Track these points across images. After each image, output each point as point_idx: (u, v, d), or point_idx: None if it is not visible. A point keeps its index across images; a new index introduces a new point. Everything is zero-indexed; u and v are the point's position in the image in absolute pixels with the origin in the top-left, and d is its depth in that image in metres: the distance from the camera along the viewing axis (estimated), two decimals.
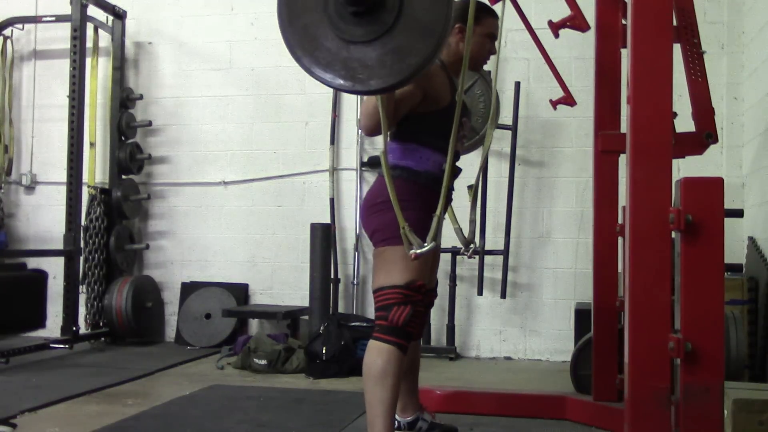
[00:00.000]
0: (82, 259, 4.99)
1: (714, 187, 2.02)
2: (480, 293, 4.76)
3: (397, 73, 1.93)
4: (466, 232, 2.82)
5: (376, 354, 2.30)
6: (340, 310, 4.89)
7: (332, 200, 5.05)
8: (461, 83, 2.29)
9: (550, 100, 3.67)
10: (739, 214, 3.68)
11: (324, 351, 4.10)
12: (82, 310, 4.95)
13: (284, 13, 2.02)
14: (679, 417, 2.01)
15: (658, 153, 2.10)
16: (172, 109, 5.43)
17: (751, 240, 4.14)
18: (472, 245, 2.81)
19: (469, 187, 2.85)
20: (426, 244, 2.22)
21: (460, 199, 2.82)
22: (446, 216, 2.42)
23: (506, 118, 4.77)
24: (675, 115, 2.35)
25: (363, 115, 2.35)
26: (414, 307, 2.31)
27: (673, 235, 2.08)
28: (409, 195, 2.37)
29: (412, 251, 2.21)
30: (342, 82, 1.98)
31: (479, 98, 3.05)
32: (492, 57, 2.70)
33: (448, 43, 2.50)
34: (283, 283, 5.18)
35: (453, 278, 4.71)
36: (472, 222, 2.87)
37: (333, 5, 1.96)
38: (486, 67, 4.80)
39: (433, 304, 2.82)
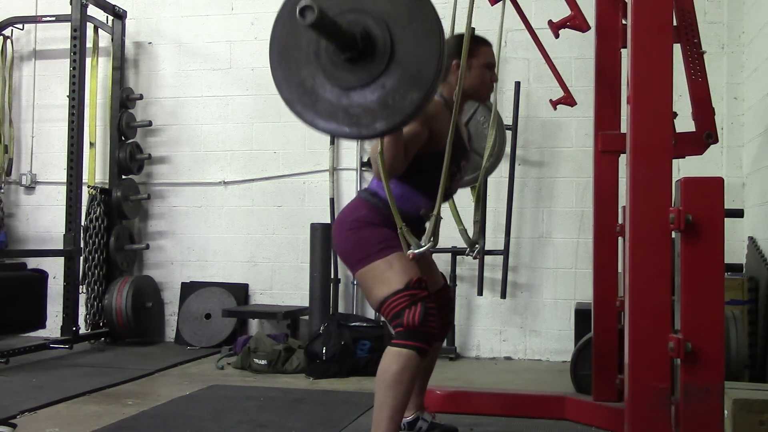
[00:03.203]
0: (82, 259, 4.99)
1: (714, 187, 2.01)
2: (480, 293, 4.76)
3: (400, 112, 1.91)
4: (470, 233, 2.83)
5: (393, 359, 2.25)
6: (340, 310, 4.89)
7: (332, 200, 5.05)
8: (452, 126, 2.25)
9: (550, 100, 3.67)
10: (739, 214, 3.67)
11: (324, 351, 4.10)
12: (82, 310, 4.96)
13: (279, 71, 2.00)
14: (679, 417, 2.01)
15: (658, 153, 2.10)
16: (172, 109, 5.43)
17: (751, 240, 4.14)
18: (477, 246, 2.82)
19: (472, 188, 2.86)
20: (423, 244, 2.22)
21: (463, 200, 2.83)
22: (444, 217, 2.41)
23: (506, 118, 4.76)
24: (675, 115, 2.35)
25: (372, 161, 2.35)
26: (425, 304, 2.27)
27: (673, 235, 2.08)
28: (381, 220, 2.39)
29: (410, 251, 2.21)
30: (348, 130, 1.98)
31: (483, 124, 3.05)
32: None
33: (448, 81, 2.50)
34: (283, 283, 5.18)
35: (453, 278, 4.71)
36: (477, 223, 2.87)
37: (325, 55, 1.94)
38: None
39: (451, 306, 2.77)
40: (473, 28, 2.43)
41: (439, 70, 1.90)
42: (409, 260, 2.34)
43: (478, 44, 2.58)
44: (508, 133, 4.69)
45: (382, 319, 2.45)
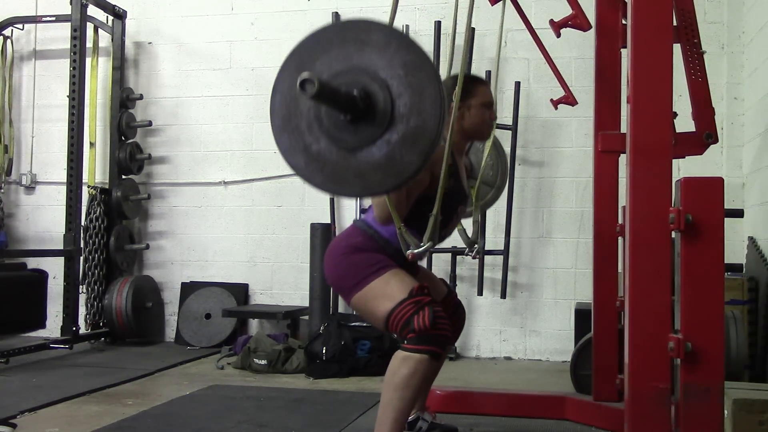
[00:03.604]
0: (82, 259, 4.99)
1: (714, 187, 2.01)
2: (480, 293, 4.76)
3: (408, 165, 1.90)
4: (469, 232, 2.83)
5: (402, 362, 2.23)
6: (340, 310, 4.89)
7: (332, 200, 5.05)
8: (442, 180, 2.25)
9: (551, 100, 3.67)
10: (739, 214, 3.67)
11: (324, 351, 4.10)
12: (82, 310, 4.96)
13: (282, 140, 1.99)
14: (679, 417, 2.01)
15: (658, 153, 2.09)
16: (172, 109, 5.43)
17: (751, 240, 4.14)
18: (476, 245, 2.82)
19: (471, 188, 2.86)
20: (423, 243, 2.21)
21: None
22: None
23: (506, 118, 4.77)
24: (675, 115, 2.35)
25: (375, 205, 2.35)
26: (432, 308, 2.26)
27: (673, 235, 2.08)
28: (375, 247, 2.39)
29: (409, 251, 2.21)
30: (359, 190, 1.99)
31: (483, 151, 3.06)
32: (492, 57, 2.71)
33: (449, 122, 2.50)
34: (283, 283, 5.18)
35: (453, 278, 4.70)
36: (476, 222, 2.87)
37: (327, 119, 1.94)
38: (486, 68, 4.83)
39: (459, 311, 2.74)
40: (467, 74, 2.42)
41: (442, 118, 1.89)
42: (407, 275, 2.35)
43: (475, 84, 2.59)
44: (509, 133, 4.70)
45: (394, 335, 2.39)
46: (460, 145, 2.61)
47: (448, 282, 4.67)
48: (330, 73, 1.92)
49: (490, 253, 4.70)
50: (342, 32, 1.97)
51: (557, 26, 2.96)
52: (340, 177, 1.95)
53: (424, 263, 4.77)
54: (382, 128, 1.90)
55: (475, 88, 2.57)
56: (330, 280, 2.49)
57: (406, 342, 2.25)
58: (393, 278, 2.33)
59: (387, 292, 2.31)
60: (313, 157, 1.96)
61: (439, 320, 2.25)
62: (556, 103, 3.61)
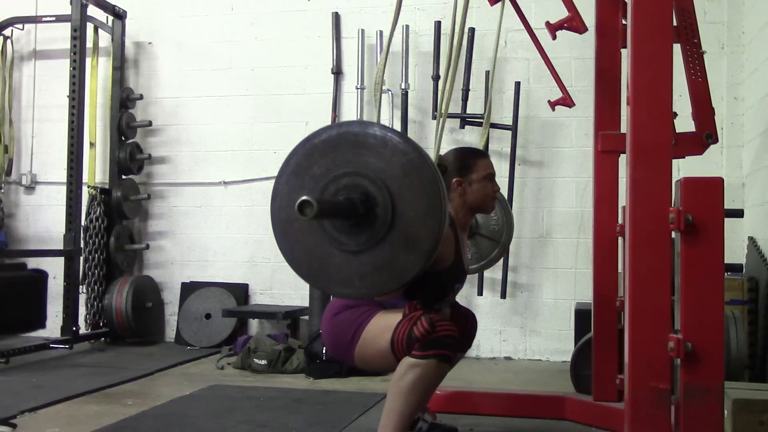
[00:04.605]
0: (82, 259, 4.99)
1: (714, 187, 2.01)
2: (480, 293, 4.76)
3: (413, 265, 1.92)
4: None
5: (409, 368, 2.21)
6: None
7: None
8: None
9: (549, 101, 3.67)
10: (739, 214, 3.67)
11: (324, 351, 4.10)
12: (82, 310, 4.96)
13: (285, 245, 2.04)
14: (679, 417, 2.01)
15: (658, 153, 2.09)
16: (172, 109, 5.43)
17: (751, 240, 4.14)
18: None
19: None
20: None
21: None
22: None
23: (506, 118, 4.77)
24: (675, 115, 2.35)
25: None
26: (427, 315, 2.24)
27: (673, 235, 2.08)
28: (363, 303, 2.39)
29: None
30: (365, 292, 2.02)
31: (494, 221, 3.09)
32: (491, 57, 2.71)
33: (451, 198, 2.51)
34: (283, 283, 5.17)
35: None
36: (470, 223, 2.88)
37: (328, 223, 1.96)
38: (486, 68, 4.82)
39: (468, 318, 2.74)
40: (467, 149, 2.46)
41: (443, 218, 1.91)
42: (396, 309, 2.34)
43: (476, 158, 2.61)
44: (509, 133, 4.70)
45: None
46: (464, 221, 2.62)
47: None
48: (328, 178, 1.94)
49: None
50: (339, 134, 1.98)
51: (553, 29, 2.96)
52: (345, 280, 1.98)
53: None
54: (384, 230, 1.92)
55: (476, 163, 2.58)
56: (328, 347, 2.48)
57: (414, 351, 2.22)
58: (383, 315, 2.34)
59: (382, 326, 2.30)
60: (316, 260, 1.99)
61: (438, 322, 2.24)
62: (553, 105, 3.61)
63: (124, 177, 5.31)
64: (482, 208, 2.63)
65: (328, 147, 1.96)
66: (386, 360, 2.31)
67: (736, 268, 4.03)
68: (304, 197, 1.72)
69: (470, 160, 2.57)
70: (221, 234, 5.31)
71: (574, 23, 2.96)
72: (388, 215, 1.92)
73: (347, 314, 2.39)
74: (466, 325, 2.70)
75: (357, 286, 1.97)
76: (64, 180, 4.88)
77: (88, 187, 5.15)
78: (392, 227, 1.92)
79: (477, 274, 4.73)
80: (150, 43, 5.51)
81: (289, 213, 1.98)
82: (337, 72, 5.09)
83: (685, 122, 2.95)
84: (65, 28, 5.05)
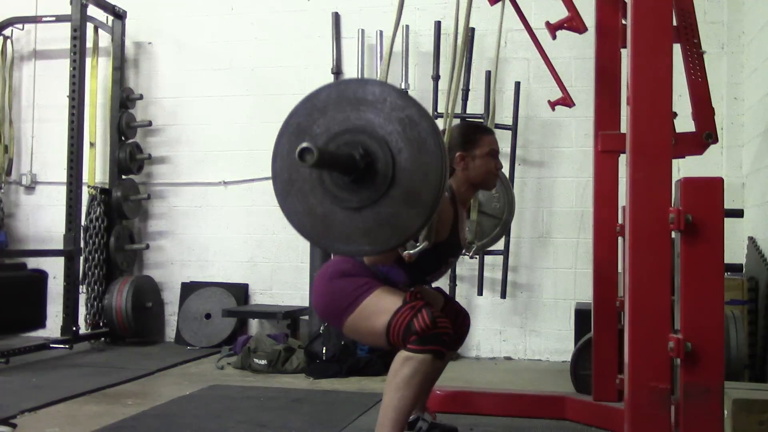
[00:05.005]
0: (82, 259, 4.99)
1: (714, 187, 2.01)
2: (480, 293, 4.76)
3: (415, 218, 1.91)
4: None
5: (404, 362, 2.22)
6: None
7: None
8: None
9: (549, 101, 3.67)
10: (739, 214, 3.67)
11: (324, 351, 4.11)
12: (82, 310, 4.96)
13: (287, 205, 2.01)
14: (679, 417, 2.01)
15: (658, 153, 2.09)
16: (172, 109, 5.43)
17: (751, 240, 4.14)
18: (474, 245, 2.82)
19: (472, 211, 2.87)
20: (419, 244, 2.22)
21: None
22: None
23: (506, 118, 4.77)
24: (675, 115, 2.35)
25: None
26: (429, 308, 2.26)
27: (673, 235, 2.08)
28: (362, 273, 2.39)
29: (406, 252, 2.21)
30: (368, 248, 1.99)
31: (495, 198, 3.08)
32: (491, 57, 2.71)
33: (454, 173, 2.51)
34: (283, 283, 5.17)
35: (453, 278, 4.70)
36: (473, 222, 2.88)
37: (330, 180, 1.95)
38: (486, 68, 4.83)
39: (461, 315, 2.72)
40: (472, 123, 2.41)
41: (444, 171, 1.91)
42: (396, 289, 2.35)
43: (480, 133, 2.59)
44: (509, 133, 4.70)
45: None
46: (465, 195, 2.60)
47: (449, 282, 4.68)
48: (329, 135, 1.94)
49: (490, 253, 4.70)
50: (338, 93, 1.98)
51: (553, 29, 2.96)
52: (348, 237, 1.96)
53: None
54: (385, 185, 1.91)
55: (480, 138, 2.56)
56: (320, 308, 2.47)
57: (409, 345, 2.24)
58: (383, 293, 2.33)
59: (381, 307, 2.30)
60: (319, 219, 1.97)
61: (439, 319, 2.25)
62: (553, 105, 3.61)
63: (124, 177, 5.31)
64: (484, 183, 2.60)
65: (327, 106, 1.96)
66: (376, 338, 2.34)
67: (736, 268, 4.03)
68: (304, 144, 1.71)
69: (475, 135, 2.55)
70: (221, 234, 5.31)
71: (574, 23, 2.96)
72: (389, 170, 1.91)
73: (345, 282, 2.37)
74: (457, 319, 2.70)
75: (359, 242, 1.95)
76: (64, 180, 4.88)
77: (88, 187, 5.15)
78: (393, 182, 1.91)
79: (477, 274, 4.73)
80: (150, 43, 5.51)
81: (290, 173, 1.98)
82: (337, 72, 5.08)
83: (685, 122, 2.95)
84: (65, 28, 5.05)
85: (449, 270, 2.68)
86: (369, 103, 1.93)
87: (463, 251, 2.82)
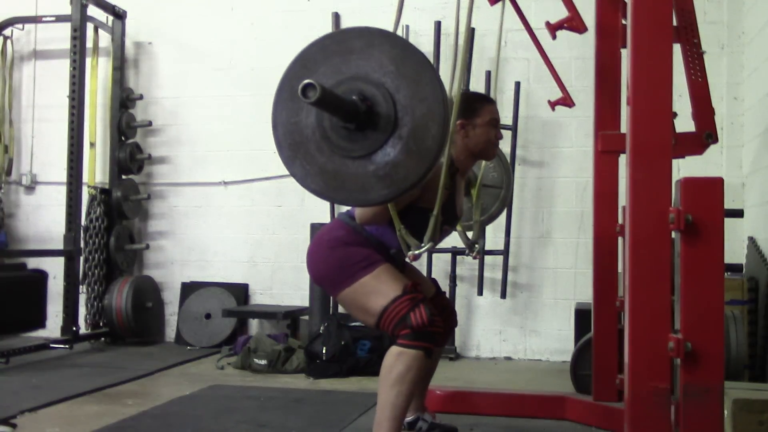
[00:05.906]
0: (82, 259, 4.99)
1: (714, 187, 2.01)
2: (480, 293, 4.76)
3: (428, 151, 1.91)
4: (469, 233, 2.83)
5: (397, 359, 2.24)
6: (340, 310, 4.88)
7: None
8: (443, 178, 2.22)
9: (549, 101, 3.67)
10: (739, 214, 3.68)
11: (324, 351, 4.10)
12: (82, 310, 4.96)
13: (296, 169, 2.01)
14: (679, 417, 2.01)
15: (658, 153, 2.09)
16: (172, 109, 5.43)
17: (751, 240, 4.14)
18: (476, 245, 2.81)
19: (472, 188, 2.86)
20: (424, 245, 2.21)
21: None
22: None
23: (506, 118, 4.77)
24: (675, 115, 2.35)
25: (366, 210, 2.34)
26: (427, 304, 2.28)
27: (673, 235, 2.08)
28: (360, 241, 2.39)
29: (410, 252, 2.21)
30: (387, 192, 1.96)
31: (492, 168, 3.06)
32: (491, 57, 2.71)
33: (453, 140, 2.47)
34: (283, 283, 5.18)
35: (453, 278, 4.70)
36: (476, 222, 2.87)
37: (334, 135, 1.95)
38: (486, 68, 4.83)
39: (447, 311, 2.72)
40: (474, 93, 2.39)
41: (444, 98, 1.90)
42: (396, 271, 2.36)
43: (482, 102, 2.58)
44: (509, 133, 4.70)
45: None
46: (464, 165, 2.59)
47: (449, 282, 4.67)
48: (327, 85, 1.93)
49: (490, 253, 4.70)
50: (323, 48, 1.98)
51: (553, 29, 2.96)
52: (363, 186, 1.95)
53: (424, 263, 4.77)
54: (390, 125, 1.91)
55: (482, 107, 2.55)
56: (316, 274, 2.46)
57: (400, 338, 2.25)
58: (384, 274, 2.33)
59: (379, 288, 2.30)
60: (332, 176, 1.97)
61: (435, 318, 2.27)
62: (553, 105, 3.61)
63: (124, 177, 5.31)
64: (484, 153, 2.59)
65: (316, 64, 1.97)
66: (366, 317, 2.35)
67: (736, 268, 4.04)
68: (307, 80, 1.71)
69: (476, 103, 2.54)
70: (221, 234, 5.31)
71: (574, 23, 2.96)
72: (390, 111, 1.91)
73: (344, 252, 2.36)
74: (443, 313, 2.69)
75: (377, 188, 1.94)
76: (64, 180, 4.88)
77: (88, 187, 5.15)
78: (397, 121, 1.91)
79: (477, 274, 4.73)
80: (150, 43, 5.51)
81: (294, 137, 1.98)
82: None
83: (685, 122, 2.95)
84: (65, 28, 5.05)
85: (443, 239, 2.65)
86: (357, 51, 1.94)
87: (467, 252, 2.82)
